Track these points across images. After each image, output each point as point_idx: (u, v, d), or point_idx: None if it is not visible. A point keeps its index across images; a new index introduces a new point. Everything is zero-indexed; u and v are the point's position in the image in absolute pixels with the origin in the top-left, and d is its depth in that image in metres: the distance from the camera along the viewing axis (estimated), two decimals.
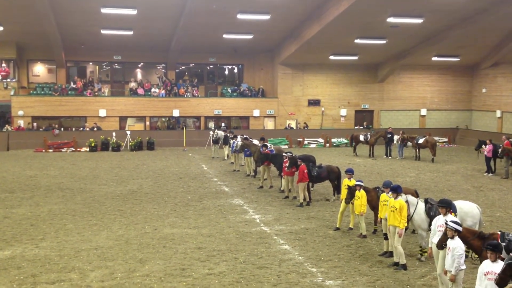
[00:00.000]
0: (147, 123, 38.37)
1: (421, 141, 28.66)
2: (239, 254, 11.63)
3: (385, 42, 34.37)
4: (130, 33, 33.76)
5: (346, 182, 14.04)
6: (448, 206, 9.84)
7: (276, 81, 40.45)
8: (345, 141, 36.71)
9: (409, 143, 29.29)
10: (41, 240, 12.55)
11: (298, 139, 36.89)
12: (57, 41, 34.90)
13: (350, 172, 14.41)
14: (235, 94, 40.09)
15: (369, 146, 30.57)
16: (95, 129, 35.54)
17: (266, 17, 31.16)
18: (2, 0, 28.45)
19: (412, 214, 11.20)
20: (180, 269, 10.66)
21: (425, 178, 22.52)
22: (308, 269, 10.75)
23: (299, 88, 40.55)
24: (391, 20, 29.57)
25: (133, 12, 29.48)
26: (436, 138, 32.22)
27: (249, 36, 35.15)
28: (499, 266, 7.33)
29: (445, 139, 39.10)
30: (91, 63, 41.14)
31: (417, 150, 29.04)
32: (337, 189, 17.60)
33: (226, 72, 43.84)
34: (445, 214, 9.64)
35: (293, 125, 39.87)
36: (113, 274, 10.27)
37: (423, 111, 42.04)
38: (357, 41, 33.98)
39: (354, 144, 31.58)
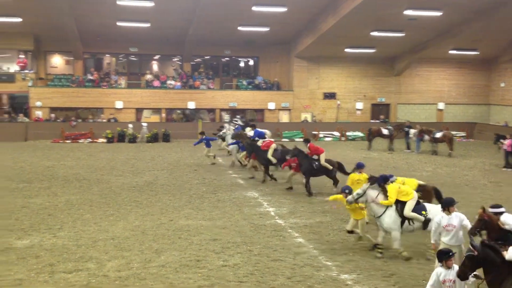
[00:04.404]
0: (163, 115, 38.55)
1: (438, 135, 28.39)
2: (254, 247, 11.68)
3: (402, 35, 34.02)
4: (147, 25, 33.89)
5: (356, 176, 13.96)
6: (452, 205, 9.47)
7: (291, 74, 40.32)
8: (361, 134, 36.51)
9: (426, 137, 29.01)
10: (59, 230, 12.72)
11: (313, 133, 36.76)
12: (74, 33, 35.16)
13: (360, 167, 14.29)
14: (250, 86, 40.06)
15: (390, 140, 30.38)
16: (112, 120, 35.84)
17: (282, 9, 31.04)
18: None
19: (381, 214, 10.95)
20: (195, 260, 10.73)
21: (441, 173, 22.34)
22: (322, 263, 10.76)
23: (314, 81, 40.37)
24: (408, 12, 29.27)
25: (150, 4, 29.57)
26: (453, 133, 31.93)
27: (265, 29, 35.06)
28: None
29: (463, 134, 38.69)
30: (107, 55, 41.40)
31: (434, 145, 28.80)
32: (337, 182, 17.36)
33: (242, 65, 43.79)
34: (449, 214, 9.30)
35: (308, 118, 39.75)
36: (129, 264, 10.39)
37: (441, 105, 41.63)
38: (374, 33, 33.69)
39: (371, 137, 31.29)
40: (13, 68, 37.79)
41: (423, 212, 10.90)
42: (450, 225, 9.20)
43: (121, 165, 23.36)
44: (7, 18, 32.72)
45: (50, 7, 30.56)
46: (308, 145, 17.76)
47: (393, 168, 23.41)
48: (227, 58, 42.41)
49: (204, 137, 24.27)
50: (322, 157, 17.32)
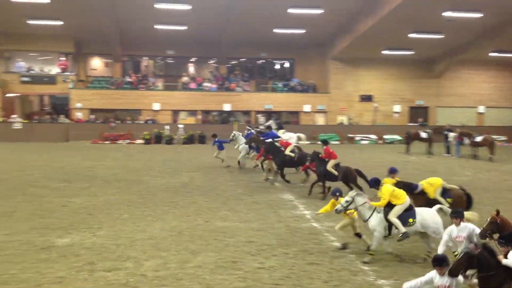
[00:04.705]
0: (199, 116, 38.91)
1: (479, 139, 27.70)
2: (290, 249, 11.61)
3: (441, 36, 33.40)
4: (184, 28, 34.29)
5: (389, 182, 13.71)
6: (461, 216, 9.22)
7: (327, 76, 40.09)
8: (399, 138, 35.96)
9: (466, 140, 28.31)
10: (98, 229, 12.96)
11: (349, 135, 36.42)
12: (113, 36, 35.89)
13: (393, 172, 14.01)
14: (285, 89, 40.02)
15: (429, 143, 29.82)
16: (149, 122, 36.40)
17: (318, 11, 30.92)
18: None
19: (368, 218, 10.84)
20: (231, 261, 10.74)
21: (482, 178, 21.76)
22: (359, 267, 10.61)
23: (351, 83, 40.05)
24: (447, 14, 28.72)
25: (187, 7, 29.92)
26: (494, 137, 31.08)
27: (301, 31, 34.98)
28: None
29: (504, 138, 37.64)
30: (145, 58, 42.11)
31: (475, 149, 28.10)
32: (359, 188, 16.97)
33: (277, 67, 43.81)
34: (458, 225, 9.08)
35: (345, 121, 39.42)
36: (166, 264, 10.49)
37: (481, 109, 40.64)
38: (412, 35, 33.19)
39: (409, 141, 30.71)
40: (55, 70, 38.83)
41: (410, 220, 10.65)
42: (459, 236, 9.04)
43: (158, 166, 23.68)
44: (49, 21, 33.69)
45: (91, 10, 31.28)
46: (324, 148, 17.70)
47: (431, 172, 22.93)
48: (263, 60, 42.47)
49: (216, 139, 24.33)
50: (331, 163, 17.14)
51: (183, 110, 39.01)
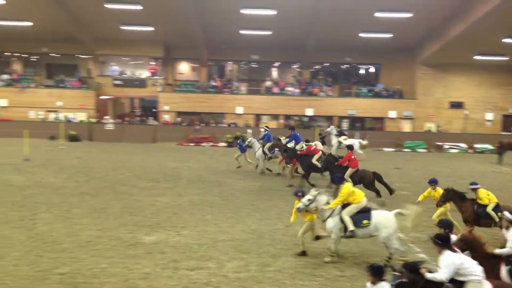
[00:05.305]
0: (281, 121, 39.06)
1: None
2: (372, 259, 11.31)
3: None
4: (269, 33, 34.60)
5: (432, 192, 13.45)
6: (448, 227, 8.83)
7: (415, 82, 38.83)
8: (490, 147, 34.06)
9: None
10: (182, 228, 13.34)
11: (438, 143, 35.01)
12: (200, 41, 36.96)
13: (433, 183, 13.55)
14: (370, 94, 39.21)
15: None
16: (232, 125, 37.05)
17: (407, 14, 30.04)
18: (153, 2, 30.81)
19: (327, 218, 10.87)
20: (312, 268, 10.64)
21: None
22: None
23: (440, 89, 38.52)
24: None
25: (272, 12, 30.17)
26: None
27: (388, 35, 34.15)
28: None
29: None
30: (230, 62, 42.92)
31: None
32: (376, 192, 17.11)
33: (362, 72, 43.04)
34: None
35: (433, 128, 37.96)
36: (247, 266, 10.58)
37: None
38: (506, 40, 31.35)
39: (502, 151, 28.94)
40: (145, 74, 40.57)
41: (364, 222, 10.74)
42: None
43: (240, 168, 23.99)
44: (141, 27, 35.30)
45: (180, 16, 32.41)
46: (347, 152, 17.93)
47: None
48: (347, 65, 41.92)
49: (239, 141, 24.73)
50: (349, 172, 17.32)
51: (266, 114, 39.34)
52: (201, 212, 15.24)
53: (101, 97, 40.68)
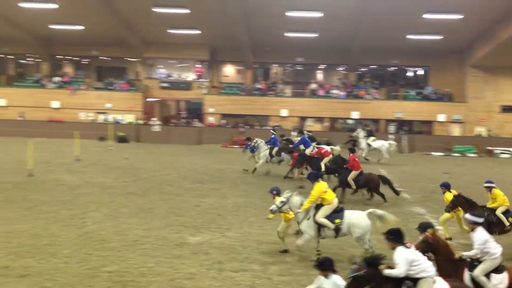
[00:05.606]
0: (325, 124, 38.74)
1: None
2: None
3: None
4: (315, 35, 34.41)
5: (449, 196, 13.01)
6: (425, 230, 8.53)
7: (465, 85, 37.75)
8: None
9: None
10: (227, 230, 13.41)
11: (488, 148, 33.89)
12: (245, 44, 37.14)
13: (444, 187, 13.34)
14: (418, 97, 38.36)
15: None
16: (277, 127, 36.97)
17: (457, 16, 29.26)
18: (199, 6, 31.24)
19: (302, 220, 11.03)
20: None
21: None
22: None
23: (491, 92, 37.29)
24: None
25: (319, 14, 29.99)
26: None
27: (437, 37, 33.35)
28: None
29: None
30: (275, 65, 42.94)
31: None
32: (382, 196, 17.02)
33: (410, 74, 42.19)
34: None
35: (483, 133, 36.78)
36: (291, 270, 10.52)
37: None
38: None
39: None
40: (191, 76, 41.12)
41: (337, 221, 10.87)
42: None
43: (282, 172, 23.89)
44: (188, 30, 35.84)
45: (226, 20, 32.70)
46: (350, 155, 17.82)
47: None
48: (395, 68, 41.17)
49: (249, 143, 24.83)
50: (352, 175, 17.23)
51: (310, 117, 39.12)
52: (245, 214, 15.28)
53: (148, 99, 41.50)
